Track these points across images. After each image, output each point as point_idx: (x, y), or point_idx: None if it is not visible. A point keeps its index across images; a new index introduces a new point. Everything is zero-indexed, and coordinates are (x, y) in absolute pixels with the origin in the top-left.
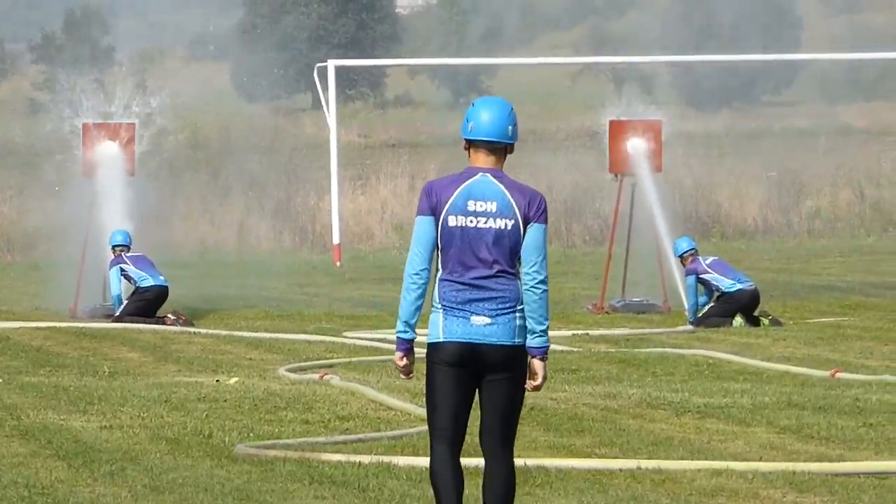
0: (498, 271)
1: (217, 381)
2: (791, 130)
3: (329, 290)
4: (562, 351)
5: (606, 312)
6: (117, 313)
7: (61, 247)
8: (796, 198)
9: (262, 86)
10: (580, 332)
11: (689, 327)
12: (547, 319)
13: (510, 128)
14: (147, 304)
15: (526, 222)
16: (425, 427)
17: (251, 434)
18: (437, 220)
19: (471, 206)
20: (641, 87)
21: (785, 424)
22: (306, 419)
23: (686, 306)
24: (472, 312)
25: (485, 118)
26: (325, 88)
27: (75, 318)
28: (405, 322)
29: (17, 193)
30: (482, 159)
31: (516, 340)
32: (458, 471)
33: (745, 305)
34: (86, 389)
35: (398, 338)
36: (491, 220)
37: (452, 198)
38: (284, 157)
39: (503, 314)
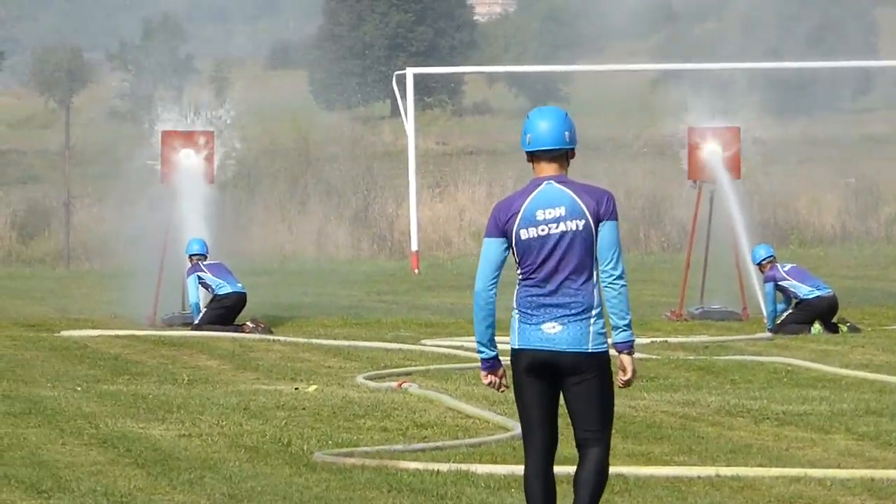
0: (570, 274)
1: (296, 388)
2: (868, 137)
3: (407, 298)
4: (640, 358)
5: (685, 320)
6: (196, 321)
7: (140, 255)
8: (874, 204)
9: (341, 94)
10: (659, 339)
11: (768, 334)
12: (628, 314)
13: (567, 133)
14: (226, 312)
15: (597, 221)
16: (504, 434)
17: (330, 442)
18: (508, 239)
19: (539, 215)
20: (720, 93)
21: (863, 431)
22: (385, 427)
23: (765, 313)
24: (544, 319)
25: (542, 128)
26: (404, 96)
27: (154, 327)
28: (479, 342)
29: (96, 201)
30: (545, 168)
31: (589, 347)
32: (548, 481)
33: (823, 312)
34: (165, 398)
35: (481, 359)
36: (562, 223)
37: (521, 212)
38: (363, 164)
39: (575, 321)
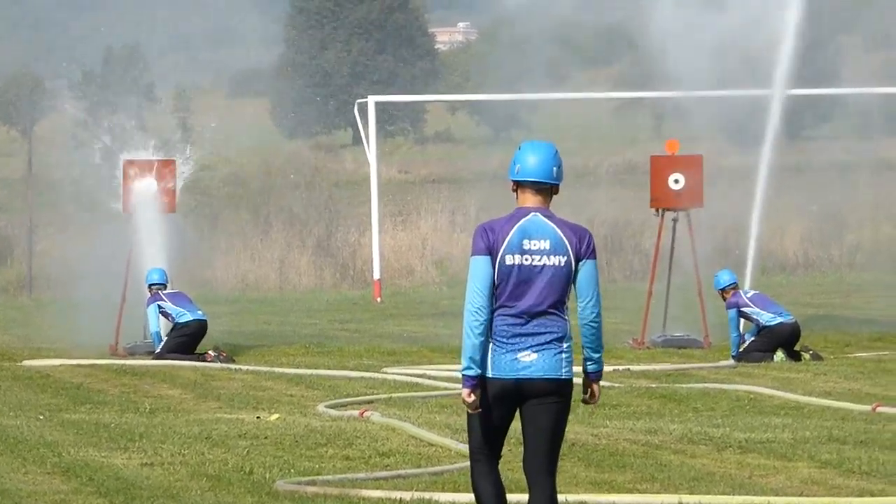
0: (548, 307)
1: (258, 417)
2: (831, 165)
3: (370, 326)
4: (603, 386)
5: (647, 348)
6: (158, 350)
7: (101, 284)
8: (837, 232)
9: (302, 122)
10: (621, 367)
11: (731, 362)
12: (601, 348)
13: (555, 168)
14: (188, 340)
15: (578, 259)
16: (467, 463)
17: (292, 470)
18: (493, 259)
19: (526, 244)
20: (681, 121)
21: (826, 459)
22: (347, 455)
23: (730, 340)
24: (520, 348)
25: (531, 160)
26: (366, 124)
27: (116, 356)
28: (470, 358)
29: (58, 230)
30: (530, 199)
31: (562, 374)
32: (498, 482)
33: (785, 339)
34: (127, 426)
35: (464, 375)
36: (545, 257)
37: (509, 237)
38: (325, 193)
39: (549, 349)
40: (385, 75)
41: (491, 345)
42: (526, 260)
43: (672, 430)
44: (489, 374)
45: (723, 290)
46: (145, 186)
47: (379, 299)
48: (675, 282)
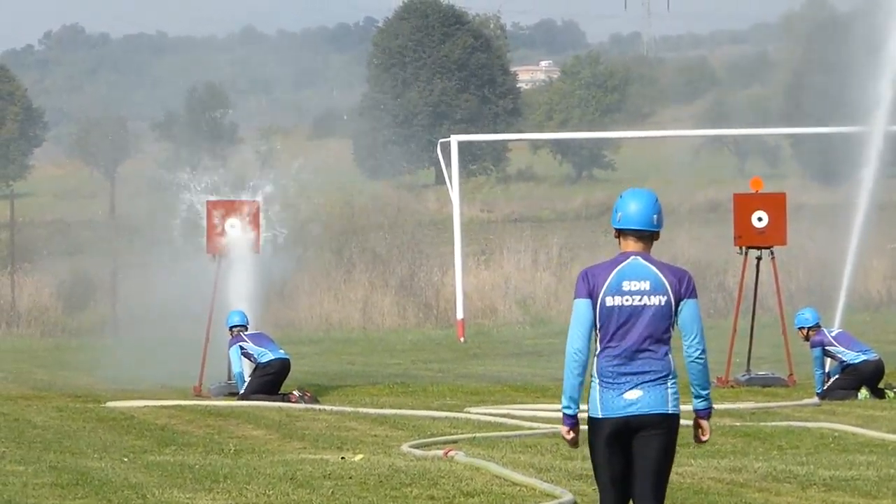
0: (650, 345)
1: (342, 458)
2: None
3: (453, 366)
4: (687, 425)
5: (731, 386)
6: (242, 391)
7: (186, 325)
8: None
9: (385, 162)
10: None
11: (815, 400)
12: (709, 384)
13: (655, 216)
14: (271, 379)
15: (678, 299)
16: (551, 503)
17: None
18: (594, 302)
19: (625, 286)
20: (765, 159)
21: None
22: (431, 495)
23: (814, 378)
24: (627, 387)
25: (632, 209)
26: (448, 164)
27: (200, 397)
28: (570, 397)
29: (141, 271)
30: (632, 245)
31: (669, 409)
32: None
33: (869, 377)
34: (211, 468)
35: (564, 414)
36: (645, 297)
37: (608, 280)
38: (408, 232)
39: (655, 385)
40: (467, 114)
41: (599, 386)
42: (626, 301)
43: (756, 468)
44: (599, 414)
45: (808, 328)
46: (229, 227)
47: (462, 339)
48: (759, 320)
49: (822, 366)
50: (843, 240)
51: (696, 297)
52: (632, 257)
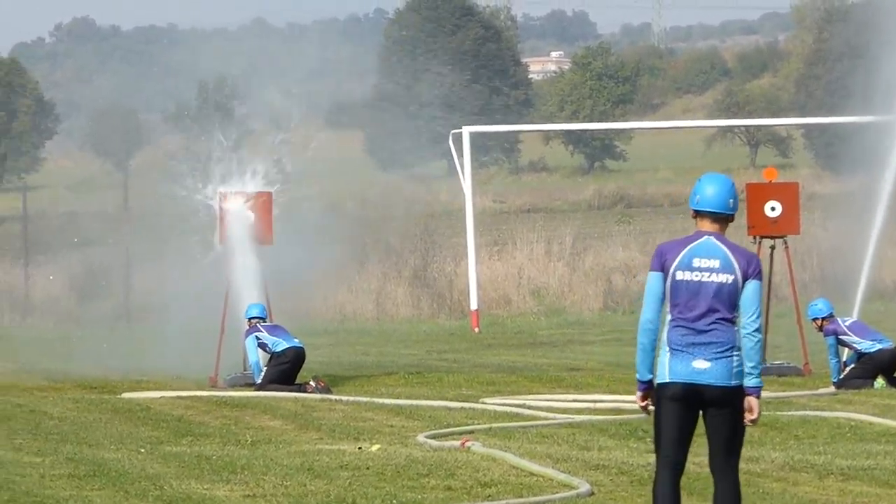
0: (717, 319)
1: (359, 448)
2: None
3: (468, 356)
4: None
5: None
6: (258, 381)
7: (199, 315)
8: None
9: (397, 153)
10: None
11: (831, 389)
12: (760, 362)
13: (731, 200)
14: (287, 367)
15: (745, 279)
16: (568, 493)
17: (394, 501)
18: (665, 275)
19: (696, 262)
20: (777, 149)
21: None
22: (449, 486)
23: (829, 367)
24: (694, 356)
25: (709, 192)
26: (461, 155)
27: (216, 388)
28: (643, 364)
29: (154, 262)
30: (707, 226)
31: (732, 382)
32: (676, 495)
33: (885, 366)
34: (228, 458)
35: (638, 380)
36: (714, 274)
37: (680, 256)
38: (420, 224)
39: (721, 358)
40: (479, 105)
41: (668, 353)
42: (696, 276)
43: (774, 458)
44: (667, 378)
45: (821, 319)
46: (242, 218)
47: (477, 329)
48: (773, 309)
49: (837, 354)
50: (857, 229)
51: (760, 279)
52: (705, 237)
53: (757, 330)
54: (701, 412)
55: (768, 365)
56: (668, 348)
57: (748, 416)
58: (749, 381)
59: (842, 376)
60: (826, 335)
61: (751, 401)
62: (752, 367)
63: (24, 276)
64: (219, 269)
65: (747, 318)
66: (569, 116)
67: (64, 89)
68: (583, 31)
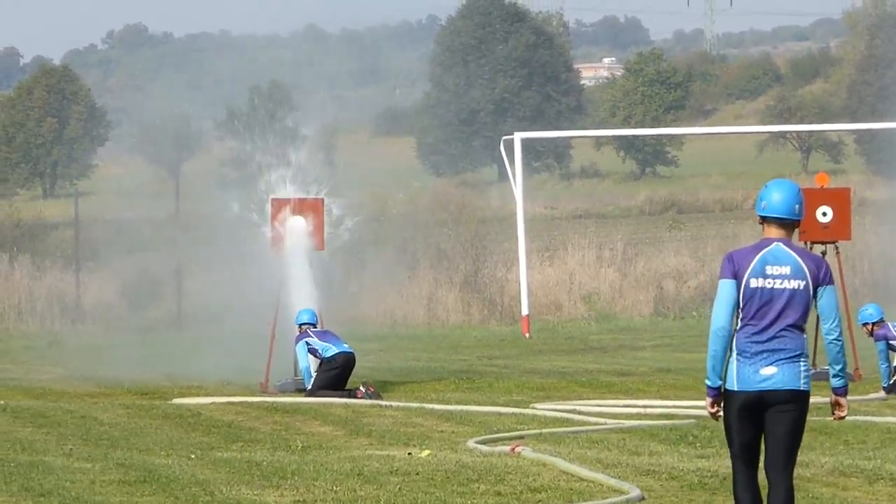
0: (788, 325)
1: (409, 453)
2: None
3: (518, 362)
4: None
5: None
6: (309, 387)
7: (251, 322)
8: None
9: (448, 159)
10: None
11: (881, 394)
12: (846, 365)
13: (797, 206)
14: (338, 372)
15: (816, 285)
16: (618, 497)
17: None
18: (738, 283)
19: (769, 270)
20: (829, 154)
21: None
22: (499, 491)
23: (880, 372)
24: (763, 364)
25: (775, 198)
26: (512, 161)
27: (266, 393)
28: (713, 370)
29: (206, 269)
30: (774, 232)
31: (800, 386)
32: (755, 493)
33: None
34: (278, 464)
35: (707, 386)
36: (786, 281)
37: (753, 263)
38: (471, 229)
39: (788, 363)
40: (530, 112)
41: (736, 360)
42: (768, 283)
43: (823, 462)
44: (735, 387)
45: (872, 324)
46: (293, 225)
47: (527, 335)
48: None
49: (888, 359)
50: None
51: (833, 283)
52: (774, 243)
53: (839, 336)
54: (766, 415)
55: (818, 370)
56: (736, 355)
57: (837, 413)
58: (836, 382)
59: (892, 381)
60: (876, 340)
61: (839, 399)
62: (839, 370)
63: (76, 282)
64: (270, 275)
65: (829, 325)
66: (620, 122)
67: (116, 96)
68: (635, 38)
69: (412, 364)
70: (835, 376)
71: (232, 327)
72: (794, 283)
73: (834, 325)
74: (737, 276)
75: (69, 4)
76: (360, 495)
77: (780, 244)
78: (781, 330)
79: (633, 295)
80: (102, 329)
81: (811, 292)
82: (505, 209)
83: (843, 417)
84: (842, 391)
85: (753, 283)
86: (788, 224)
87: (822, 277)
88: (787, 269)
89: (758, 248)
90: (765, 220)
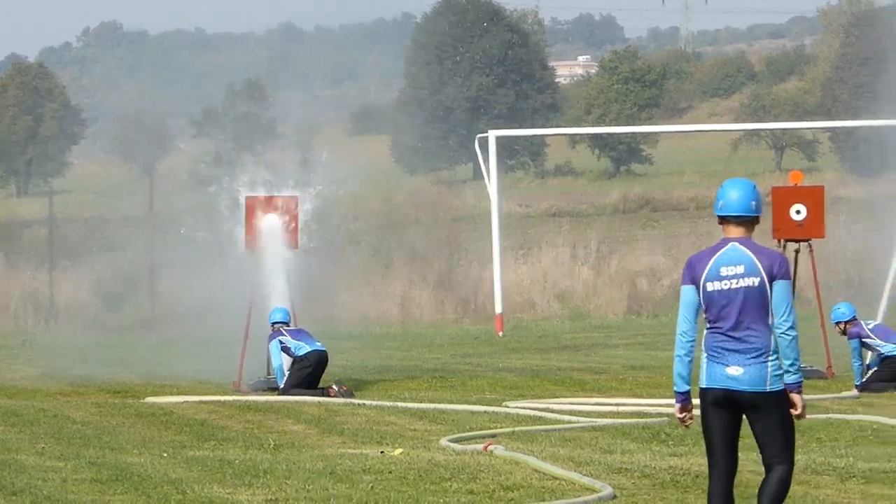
0: (750, 323)
1: (382, 452)
2: None
3: (492, 360)
4: None
5: None
6: (282, 386)
7: (224, 321)
8: None
9: (423, 157)
10: None
11: (854, 392)
12: (798, 359)
13: (753, 203)
14: (310, 371)
15: (771, 279)
16: (590, 496)
17: None
18: (698, 288)
19: (723, 271)
20: (803, 153)
21: None
22: (471, 489)
23: (853, 370)
24: (729, 362)
25: (732, 196)
26: (486, 159)
27: (239, 392)
28: (678, 375)
29: (179, 268)
30: (733, 231)
31: (768, 387)
32: (730, 498)
33: None
34: (251, 463)
35: (675, 392)
36: (741, 280)
37: (708, 267)
38: (445, 228)
39: (754, 363)
40: (505, 109)
41: (707, 360)
42: (725, 285)
43: (796, 460)
44: (704, 384)
45: (845, 323)
46: (267, 223)
47: (501, 333)
48: (797, 312)
49: (860, 357)
50: (882, 233)
51: (788, 278)
52: (730, 244)
53: (790, 328)
54: (745, 415)
55: (807, 368)
56: (706, 354)
57: (793, 412)
58: (788, 378)
59: (865, 379)
60: (849, 338)
61: (793, 397)
62: (789, 365)
63: (50, 280)
64: (243, 273)
65: (779, 318)
66: (595, 120)
67: (91, 94)
68: (610, 36)
69: (386, 363)
70: (786, 371)
71: (205, 327)
72: (748, 281)
73: (783, 318)
74: (695, 282)
75: (44, 2)
76: (332, 494)
77: (736, 244)
78: (746, 329)
79: (607, 293)
80: (76, 328)
81: (768, 288)
82: (479, 207)
83: (800, 416)
84: (794, 387)
85: (710, 287)
86: (747, 221)
87: (776, 272)
88: (740, 269)
89: (714, 250)
90: (724, 219)
